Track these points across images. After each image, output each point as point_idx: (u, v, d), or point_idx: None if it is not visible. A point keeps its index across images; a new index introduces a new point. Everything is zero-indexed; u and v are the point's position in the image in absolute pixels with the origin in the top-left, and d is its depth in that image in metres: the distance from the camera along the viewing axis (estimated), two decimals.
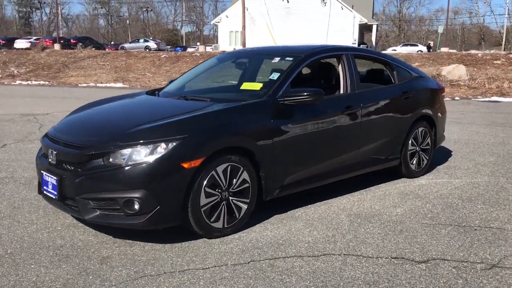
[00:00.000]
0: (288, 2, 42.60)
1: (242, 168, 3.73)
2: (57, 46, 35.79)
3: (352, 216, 4.23)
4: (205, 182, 3.50)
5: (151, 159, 3.33)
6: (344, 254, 3.42)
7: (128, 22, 71.82)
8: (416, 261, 3.32)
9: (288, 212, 4.29)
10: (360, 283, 3.00)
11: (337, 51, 4.88)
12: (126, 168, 3.32)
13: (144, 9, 70.49)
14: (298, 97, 4.04)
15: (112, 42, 62.36)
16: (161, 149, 3.36)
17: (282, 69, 4.40)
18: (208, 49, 46.81)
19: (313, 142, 4.30)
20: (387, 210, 4.41)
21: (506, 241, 3.70)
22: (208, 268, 3.18)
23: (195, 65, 6.55)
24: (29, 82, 21.03)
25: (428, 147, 5.62)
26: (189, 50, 42.59)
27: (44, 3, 74.40)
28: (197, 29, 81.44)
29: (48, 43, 37.25)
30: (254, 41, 38.58)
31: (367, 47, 42.73)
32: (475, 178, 5.52)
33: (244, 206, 3.81)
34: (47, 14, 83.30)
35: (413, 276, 3.10)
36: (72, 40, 38.53)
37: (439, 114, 5.78)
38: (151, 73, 28.22)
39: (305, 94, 4.04)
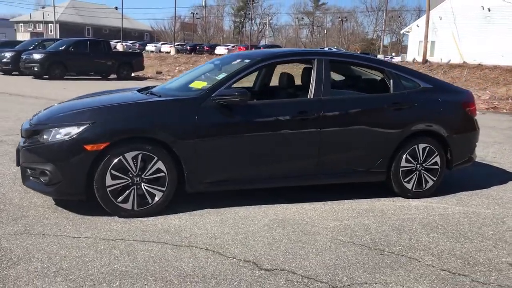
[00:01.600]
0: (489, 10, 38.83)
1: (156, 158, 4.05)
2: None
3: (276, 220, 4.16)
4: (111, 165, 3.94)
5: (62, 139, 3.91)
6: (206, 249, 3.50)
7: (325, 32, 74.03)
8: (260, 268, 3.24)
9: (223, 209, 4.41)
10: (176, 273, 3.11)
11: (305, 56, 4.78)
12: (46, 144, 3.97)
13: (340, 19, 71.68)
14: (225, 97, 4.18)
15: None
16: (71, 131, 3.92)
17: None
18: (397, 58, 45.51)
19: (248, 144, 4.35)
20: (323, 222, 4.19)
21: (392, 269, 3.29)
22: (78, 237, 3.63)
23: None
24: None
25: (436, 167, 5.01)
26: None
27: (247, 14, 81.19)
28: (397, 39, 79.61)
29: (241, 50, 40.96)
30: (439, 52, 36.30)
31: None
32: (486, 209, 4.74)
33: (159, 194, 4.13)
34: (257, 24, 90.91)
35: (232, 278, 3.06)
36: (261, 48, 41.67)
37: (456, 131, 5.08)
38: None
39: (230, 94, 4.16)
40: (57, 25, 71.82)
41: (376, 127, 4.76)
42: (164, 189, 4.14)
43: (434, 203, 4.88)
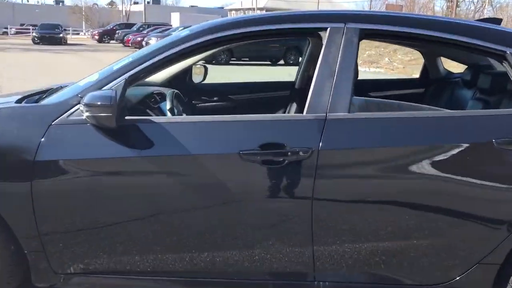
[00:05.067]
0: None
1: None
2: None
3: None
4: None
5: None
6: None
7: None
8: None
9: None
10: None
11: (307, 22, 2.19)
12: None
13: None
14: (87, 109, 1.99)
15: None
16: None
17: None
18: None
19: (147, 204, 2.10)
20: None
21: None
22: None
23: None
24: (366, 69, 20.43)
25: None
26: None
27: None
28: None
29: None
30: None
31: None
32: None
33: None
34: (474, 3, 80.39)
35: None
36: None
37: None
38: None
39: (92, 104, 1.96)
40: (263, 12, 74.57)
41: (461, 191, 2.00)
42: None
43: None
